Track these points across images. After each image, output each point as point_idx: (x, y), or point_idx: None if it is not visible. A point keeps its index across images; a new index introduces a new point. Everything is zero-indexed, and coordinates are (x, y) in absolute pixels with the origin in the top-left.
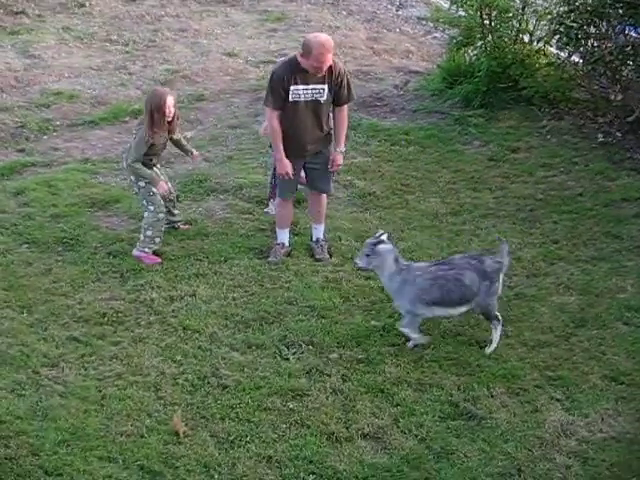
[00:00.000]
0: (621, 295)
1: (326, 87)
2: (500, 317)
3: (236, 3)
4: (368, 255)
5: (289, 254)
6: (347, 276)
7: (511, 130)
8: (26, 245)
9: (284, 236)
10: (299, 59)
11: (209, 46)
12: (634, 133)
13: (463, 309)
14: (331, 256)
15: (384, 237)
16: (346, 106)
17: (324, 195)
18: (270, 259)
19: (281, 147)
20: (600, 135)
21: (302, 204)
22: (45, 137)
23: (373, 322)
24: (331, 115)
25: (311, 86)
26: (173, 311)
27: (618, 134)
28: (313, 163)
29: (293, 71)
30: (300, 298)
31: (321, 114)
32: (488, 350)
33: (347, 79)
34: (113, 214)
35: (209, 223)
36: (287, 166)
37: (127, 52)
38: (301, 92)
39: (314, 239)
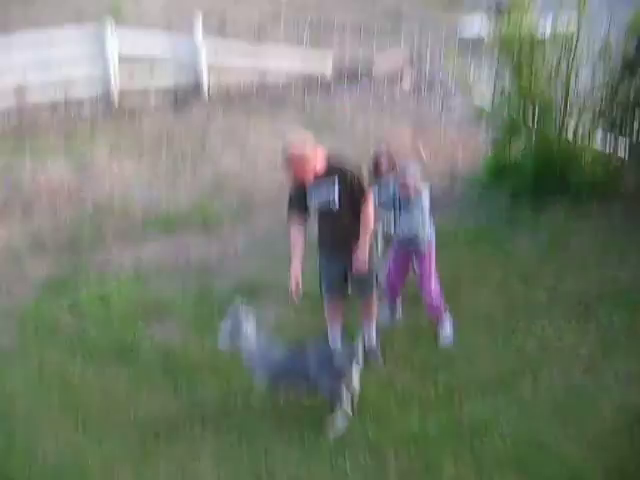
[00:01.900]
0: None
1: (336, 190)
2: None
3: (282, 111)
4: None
5: None
6: (401, 378)
7: (560, 224)
8: (81, 358)
9: (336, 336)
10: None
11: (257, 156)
12: None
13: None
14: (384, 358)
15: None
16: (368, 204)
17: (370, 300)
18: None
19: (296, 257)
20: None
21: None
22: (98, 249)
23: (430, 425)
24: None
25: (324, 191)
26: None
27: None
28: (351, 272)
29: (303, 179)
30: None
31: (339, 217)
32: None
33: (358, 178)
34: (166, 324)
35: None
36: (295, 274)
37: (176, 164)
38: (315, 199)
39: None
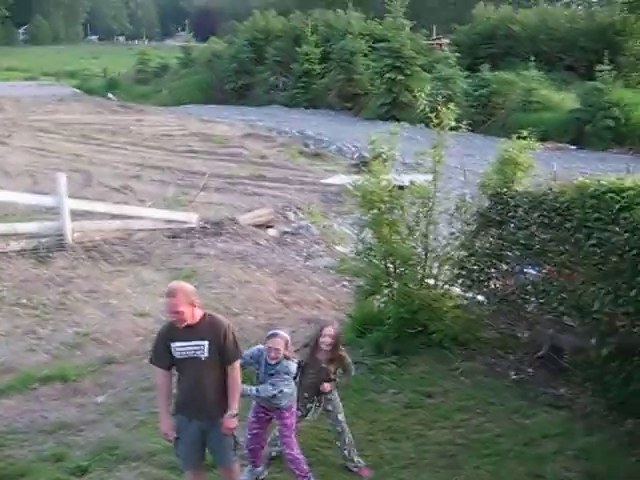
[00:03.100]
0: None
1: (206, 343)
2: None
3: (147, 262)
4: None
5: None
6: None
7: (425, 375)
8: None
9: None
10: None
11: (120, 306)
12: (545, 367)
13: None
14: None
15: None
16: (237, 364)
17: (232, 466)
18: None
19: (164, 405)
20: (512, 373)
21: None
22: None
23: None
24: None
25: (192, 342)
26: None
27: (530, 370)
28: (210, 436)
29: (174, 327)
30: None
31: (206, 372)
32: None
33: (232, 335)
34: None
35: None
36: (165, 426)
37: (37, 316)
38: (182, 348)
39: None
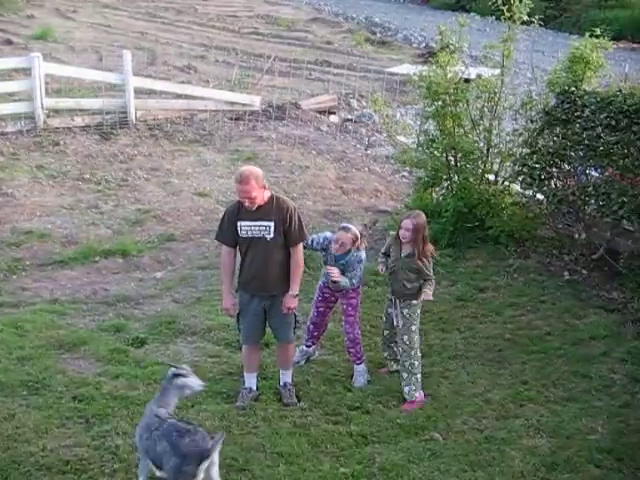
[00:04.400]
0: (592, 437)
1: (272, 224)
2: None
3: (208, 143)
4: None
5: (257, 399)
6: (315, 421)
7: (478, 269)
8: None
9: (252, 381)
10: None
11: (180, 186)
12: (599, 270)
13: None
14: (299, 400)
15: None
16: (300, 246)
17: (290, 344)
18: (238, 404)
19: (227, 282)
20: (566, 273)
21: (270, 347)
22: (14, 277)
23: (342, 469)
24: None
25: (258, 222)
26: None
27: (584, 271)
28: (271, 313)
29: (241, 207)
30: (268, 444)
31: (271, 252)
32: None
33: (297, 217)
34: (80, 357)
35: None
36: (228, 302)
37: (99, 191)
38: (248, 228)
39: (281, 383)
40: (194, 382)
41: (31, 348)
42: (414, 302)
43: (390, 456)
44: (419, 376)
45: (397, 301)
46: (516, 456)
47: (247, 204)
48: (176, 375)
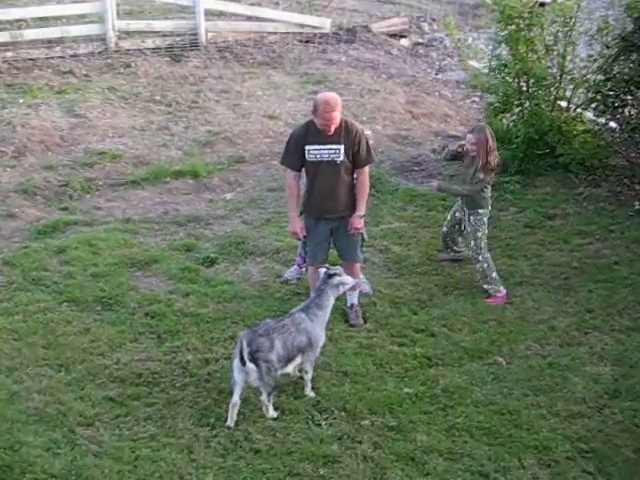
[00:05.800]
0: None
1: (342, 147)
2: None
3: (278, 65)
4: None
5: None
6: (381, 342)
7: (547, 197)
8: (66, 303)
9: None
10: (314, 119)
11: (250, 108)
12: None
13: None
14: (365, 322)
15: None
16: (367, 169)
17: (356, 263)
18: None
19: (294, 206)
20: (637, 203)
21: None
22: (88, 196)
23: (406, 389)
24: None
25: (327, 146)
26: (208, 374)
27: None
28: (338, 234)
29: (309, 131)
30: (334, 364)
31: (339, 175)
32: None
33: (365, 141)
34: (152, 274)
35: (246, 286)
36: (296, 226)
37: (170, 113)
38: (317, 152)
39: (348, 304)
40: (348, 279)
41: (105, 265)
42: (480, 211)
43: (454, 378)
44: (494, 275)
45: (465, 208)
46: (579, 382)
47: (328, 130)
48: (330, 275)
